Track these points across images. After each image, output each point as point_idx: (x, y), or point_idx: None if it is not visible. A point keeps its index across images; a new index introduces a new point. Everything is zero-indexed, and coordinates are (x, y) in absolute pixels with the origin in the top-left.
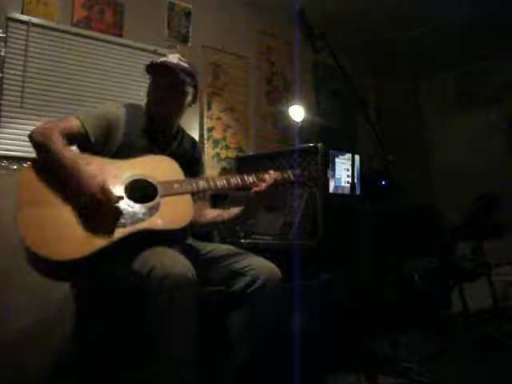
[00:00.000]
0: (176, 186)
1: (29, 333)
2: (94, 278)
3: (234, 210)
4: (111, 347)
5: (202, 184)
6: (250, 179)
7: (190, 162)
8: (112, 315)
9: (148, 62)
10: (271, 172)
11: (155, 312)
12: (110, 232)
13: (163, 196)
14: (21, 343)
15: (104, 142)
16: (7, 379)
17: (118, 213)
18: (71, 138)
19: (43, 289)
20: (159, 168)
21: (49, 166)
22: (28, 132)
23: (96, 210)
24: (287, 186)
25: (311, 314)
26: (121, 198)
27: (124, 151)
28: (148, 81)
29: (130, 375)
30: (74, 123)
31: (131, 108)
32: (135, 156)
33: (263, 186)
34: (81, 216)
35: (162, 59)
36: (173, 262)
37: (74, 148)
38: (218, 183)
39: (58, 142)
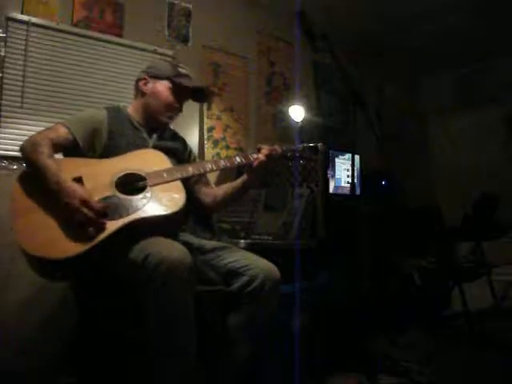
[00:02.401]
0: (164, 174)
1: (31, 325)
2: (92, 273)
3: (236, 182)
4: (112, 336)
5: (190, 169)
6: (238, 159)
7: (176, 153)
8: (112, 306)
9: (185, 83)
10: (263, 148)
11: (152, 299)
12: (96, 236)
13: (153, 185)
14: (23, 335)
15: (90, 145)
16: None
17: (103, 218)
18: (60, 146)
19: (43, 285)
20: (146, 160)
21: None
22: (28, 132)
23: (80, 219)
24: (287, 185)
25: (311, 313)
26: (105, 207)
27: (110, 150)
28: (158, 88)
29: (131, 363)
30: (61, 131)
31: (111, 110)
32: (121, 153)
33: (262, 157)
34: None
35: (191, 79)
36: (169, 248)
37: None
38: (207, 166)
39: (43, 156)
